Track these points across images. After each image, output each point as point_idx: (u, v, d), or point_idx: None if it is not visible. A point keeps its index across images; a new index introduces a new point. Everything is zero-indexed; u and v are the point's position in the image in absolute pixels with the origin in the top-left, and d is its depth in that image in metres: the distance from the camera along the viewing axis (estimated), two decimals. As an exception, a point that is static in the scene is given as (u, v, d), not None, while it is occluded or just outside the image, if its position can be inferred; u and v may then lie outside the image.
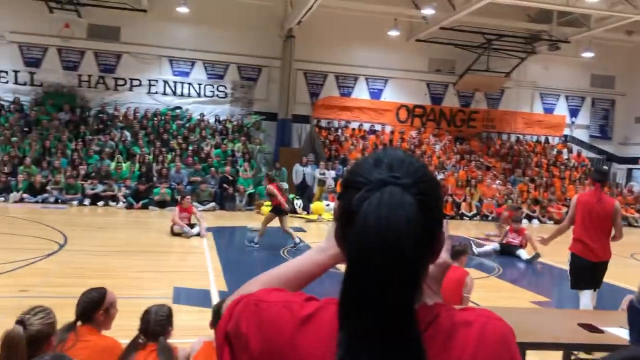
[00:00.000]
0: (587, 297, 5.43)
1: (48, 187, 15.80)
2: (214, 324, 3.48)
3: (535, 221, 18.25)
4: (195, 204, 13.99)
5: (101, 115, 19.60)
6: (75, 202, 15.57)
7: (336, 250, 1.10)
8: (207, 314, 5.43)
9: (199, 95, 21.17)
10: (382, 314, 0.85)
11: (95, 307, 3.29)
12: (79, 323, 3.21)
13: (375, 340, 0.85)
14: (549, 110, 24.71)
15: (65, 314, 3.33)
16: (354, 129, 22.14)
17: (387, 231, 0.86)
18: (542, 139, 24.17)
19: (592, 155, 24.64)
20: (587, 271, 5.51)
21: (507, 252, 11.05)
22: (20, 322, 2.58)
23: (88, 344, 3.15)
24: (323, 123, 22.02)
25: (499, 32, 21.32)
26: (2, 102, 19.17)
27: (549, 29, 21.87)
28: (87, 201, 15.74)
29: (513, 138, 23.99)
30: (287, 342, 0.95)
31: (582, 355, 3.92)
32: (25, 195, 15.49)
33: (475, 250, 11.02)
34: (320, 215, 15.98)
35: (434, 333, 0.91)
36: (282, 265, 1.17)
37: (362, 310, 0.85)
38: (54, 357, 2.42)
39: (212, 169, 17.63)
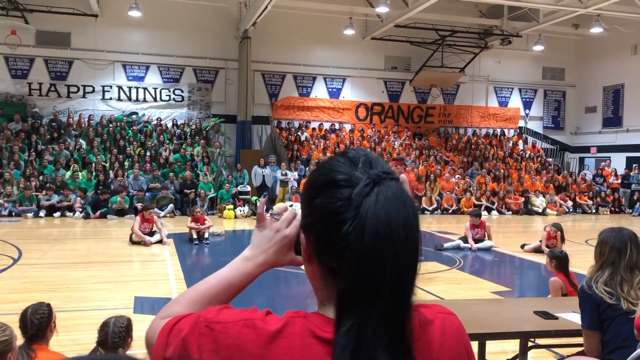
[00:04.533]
0: None
1: (0, 200, 15.29)
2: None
3: (494, 212, 18.66)
4: (156, 210, 13.79)
5: (54, 123, 19.08)
6: (30, 214, 15.11)
7: (265, 258, 1.09)
8: (169, 322, 5.36)
9: (155, 99, 20.83)
10: (392, 309, 0.86)
11: (47, 323, 3.21)
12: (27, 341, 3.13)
13: (383, 338, 0.84)
14: (503, 104, 25.30)
15: (19, 332, 3.23)
16: (314, 129, 22.17)
17: (404, 223, 0.87)
18: (498, 131, 24.71)
19: (547, 145, 25.34)
20: None
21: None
22: None
23: (43, 359, 3.07)
24: (283, 124, 21.97)
25: (452, 28, 21.69)
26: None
27: (500, 24, 22.40)
28: (42, 213, 15.30)
29: (470, 132, 24.45)
30: None
31: (539, 341, 4.02)
32: (-24, 210, 14.96)
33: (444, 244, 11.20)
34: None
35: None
36: (208, 279, 1.10)
37: (372, 307, 0.85)
38: None
39: (172, 174, 17.38)
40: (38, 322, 3.18)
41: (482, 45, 23.03)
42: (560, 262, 5.09)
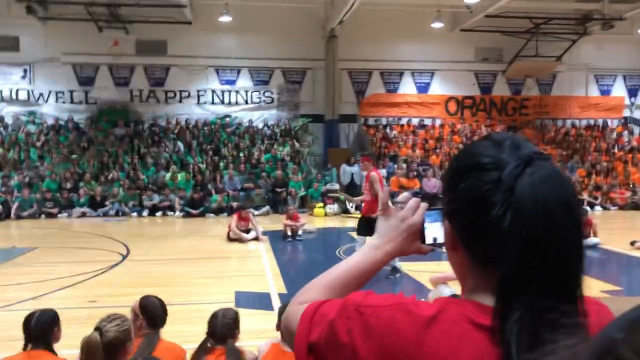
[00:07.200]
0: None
1: (107, 202, 16.29)
2: (280, 326, 3.50)
3: (597, 208, 17.55)
4: (250, 209, 14.20)
5: (154, 128, 20.15)
6: (134, 214, 16.05)
7: (393, 246, 1.09)
8: (268, 317, 5.47)
9: (246, 102, 21.43)
10: (560, 295, 0.82)
11: (164, 314, 3.43)
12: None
13: (559, 325, 0.80)
14: (605, 92, 23.74)
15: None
16: (402, 125, 21.90)
17: (562, 203, 0.83)
18: (600, 122, 23.25)
19: (655, 135, 23.52)
20: None
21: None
22: (97, 329, 2.68)
23: (163, 347, 3.28)
24: (370, 121, 21.89)
25: (548, 16, 20.63)
26: (60, 122, 19.96)
27: (601, 8, 20.99)
28: (145, 212, 16.19)
29: (569, 123, 23.17)
30: (412, 345, 0.86)
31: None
32: (86, 210, 16.08)
33: None
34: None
35: None
36: (338, 267, 1.12)
37: (539, 293, 0.81)
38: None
39: (264, 173, 17.83)
40: (161, 312, 3.39)
41: (581, 31, 21.71)
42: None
